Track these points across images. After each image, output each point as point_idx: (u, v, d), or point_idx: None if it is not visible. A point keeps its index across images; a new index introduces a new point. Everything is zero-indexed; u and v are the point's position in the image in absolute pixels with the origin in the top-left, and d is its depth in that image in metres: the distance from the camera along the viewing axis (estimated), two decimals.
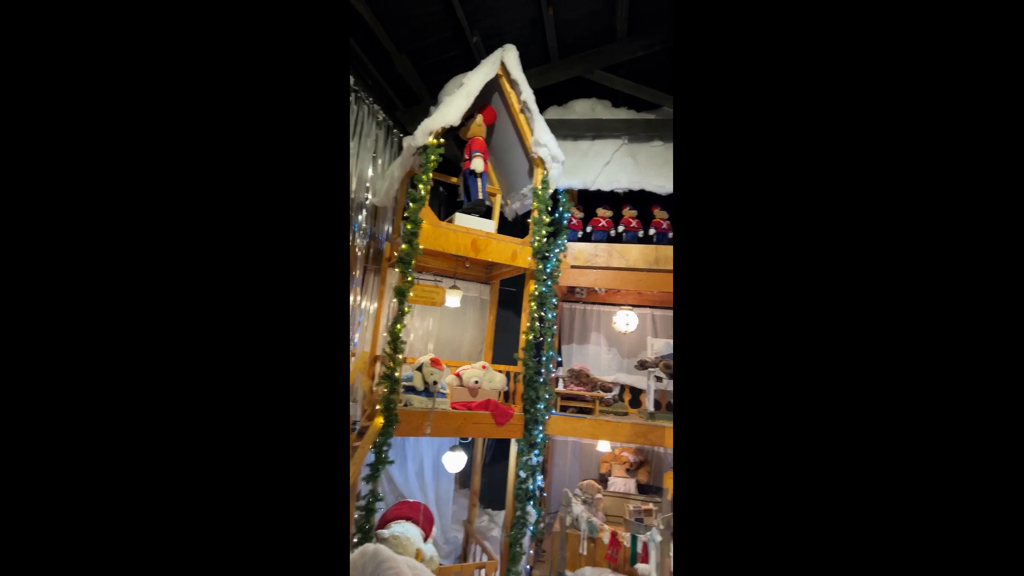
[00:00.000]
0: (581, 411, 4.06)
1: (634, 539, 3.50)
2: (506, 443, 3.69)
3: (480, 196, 3.61)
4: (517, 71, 3.55)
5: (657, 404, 4.11)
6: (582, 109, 4.44)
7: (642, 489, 4.27)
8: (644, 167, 4.23)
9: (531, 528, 3.63)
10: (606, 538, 3.61)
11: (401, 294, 3.03)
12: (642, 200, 4.41)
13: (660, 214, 4.39)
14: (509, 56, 3.54)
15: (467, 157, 3.63)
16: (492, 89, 3.61)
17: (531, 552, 3.73)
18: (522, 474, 3.51)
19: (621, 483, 4.27)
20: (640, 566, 3.39)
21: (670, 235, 4.41)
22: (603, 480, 4.36)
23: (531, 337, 3.62)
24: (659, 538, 3.29)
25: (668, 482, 3.89)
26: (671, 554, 3.47)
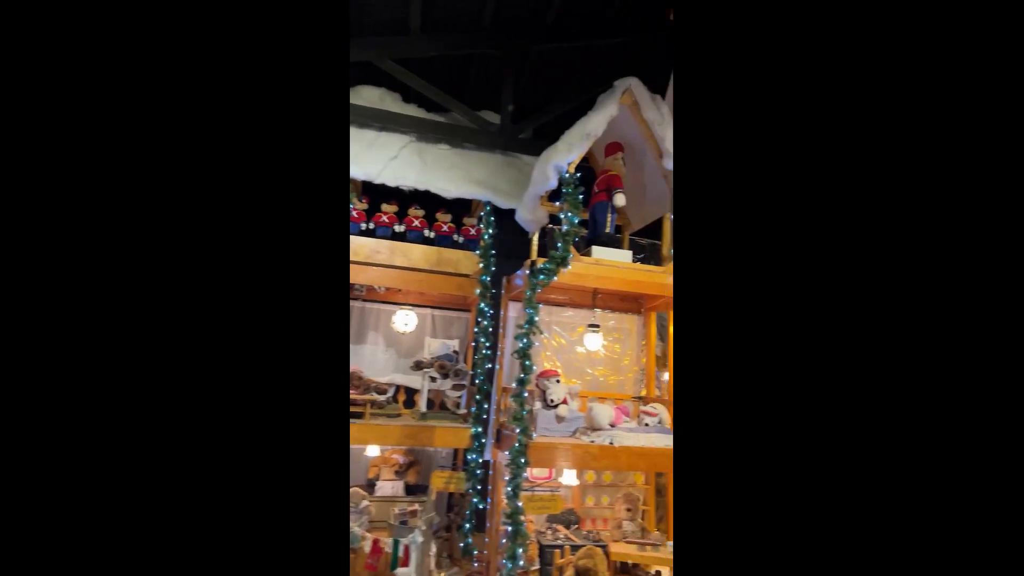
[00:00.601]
0: (351, 416, 3.83)
1: (396, 543, 3.45)
2: None
3: None
4: None
5: (430, 403, 4.15)
6: (370, 97, 4.21)
7: (410, 490, 4.26)
8: (431, 168, 4.24)
9: None
10: (368, 546, 3.47)
11: None
12: (429, 201, 4.41)
13: (443, 217, 4.46)
14: None
15: None
16: None
17: None
18: None
19: (389, 486, 4.19)
20: (400, 570, 3.36)
21: (454, 237, 4.52)
22: (371, 485, 4.22)
23: None
24: (420, 539, 3.30)
25: (435, 481, 3.97)
26: (431, 552, 3.53)
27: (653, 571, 3.72)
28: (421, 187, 4.17)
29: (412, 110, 4.35)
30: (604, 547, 3.48)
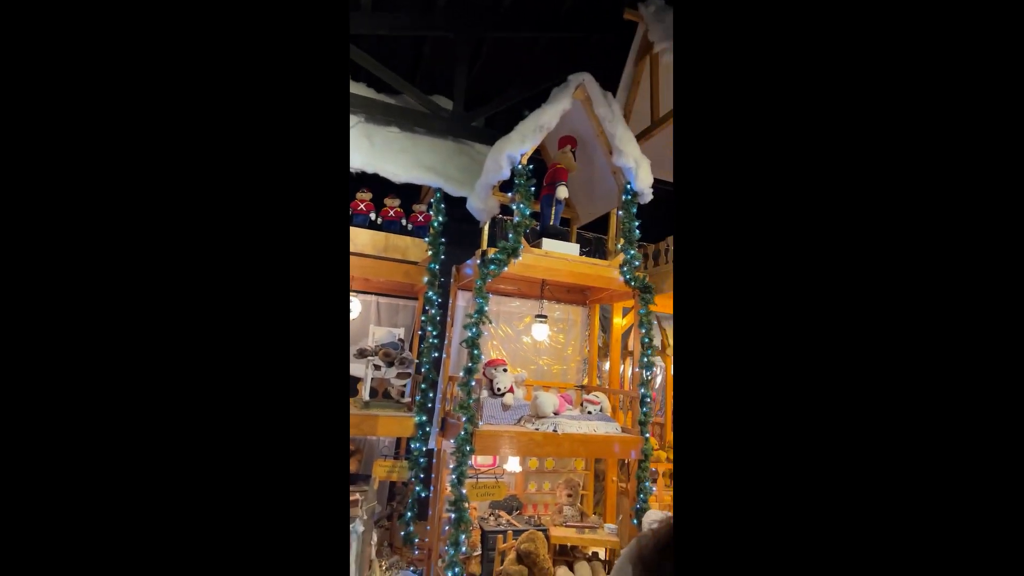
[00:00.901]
0: None
1: None
2: None
3: None
4: None
5: (374, 392, 4.07)
6: None
7: (351, 479, 4.17)
8: (380, 151, 4.11)
9: None
10: None
11: None
12: (376, 184, 4.28)
13: (391, 202, 4.35)
14: None
15: None
16: None
17: None
18: None
19: None
20: None
21: (402, 223, 4.42)
22: None
23: None
24: (361, 528, 3.25)
25: (377, 470, 3.91)
26: (372, 542, 3.49)
27: (590, 552, 3.88)
28: (369, 170, 4.04)
29: (361, 90, 4.20)
30: (545, 531, 3.58)
